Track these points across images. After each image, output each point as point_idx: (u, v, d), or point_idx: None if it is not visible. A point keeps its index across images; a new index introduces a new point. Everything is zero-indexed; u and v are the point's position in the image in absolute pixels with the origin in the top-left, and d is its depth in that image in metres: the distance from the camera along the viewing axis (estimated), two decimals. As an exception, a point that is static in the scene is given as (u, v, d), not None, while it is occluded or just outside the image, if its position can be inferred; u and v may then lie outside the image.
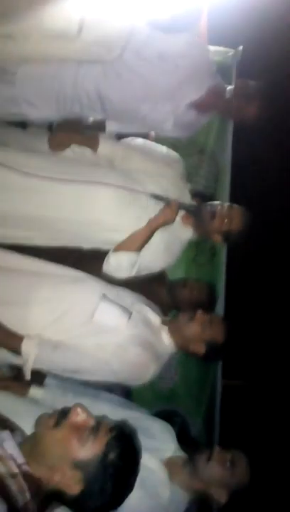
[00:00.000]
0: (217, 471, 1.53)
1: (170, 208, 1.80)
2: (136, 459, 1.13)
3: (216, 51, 2.84)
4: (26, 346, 1.56)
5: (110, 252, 1.81)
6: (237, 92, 2.11)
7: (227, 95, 2.13)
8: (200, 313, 1.74)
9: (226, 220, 1.82)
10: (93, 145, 1.96)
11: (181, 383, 2.98)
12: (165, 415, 2.41)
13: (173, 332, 1.76)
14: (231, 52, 2.90)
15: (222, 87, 2.17)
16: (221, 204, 1.88)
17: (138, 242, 1.79)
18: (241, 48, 2.87)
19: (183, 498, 1.56)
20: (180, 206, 1.83)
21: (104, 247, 1.86)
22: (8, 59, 1.85)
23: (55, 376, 1.71)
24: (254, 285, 3.73)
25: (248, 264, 3.63)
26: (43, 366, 1.62)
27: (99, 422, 1.11)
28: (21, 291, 1.68)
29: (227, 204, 1.89)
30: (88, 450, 1.06)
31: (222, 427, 3.14)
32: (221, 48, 2.88)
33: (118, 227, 1.81)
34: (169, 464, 1.59)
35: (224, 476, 1.53)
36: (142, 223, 1.80)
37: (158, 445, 1.64)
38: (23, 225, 1.82)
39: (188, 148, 3.08)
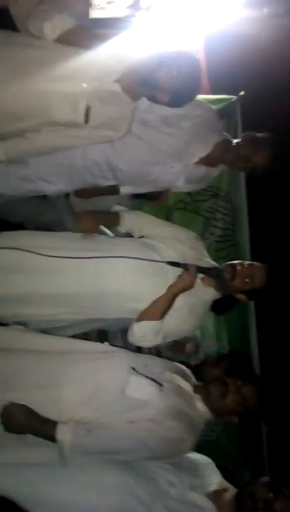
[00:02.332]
0: None
1: (188, 273, 1.79)
2: None
3: (218, 99, 2.88)
4: (61, 434, 1.55)
5: (133, 323, 1.81)
6: (243, 143, 2.13)
7: (234, 148, 2.15)
8: (232, 391, 1.73)
9: (247, 280, 1.80)
10: (116, 222, 1.99)
11: (223, 434, 2.88)
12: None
13: (207, 400, 1.74)
14: (233, 98, 2.92)
15: (229, 141, 2.19)
16: (240, 263, 1.86)
17: (159, 309, 1.79)
18: (243, 93, 2.89)
19: None
20: (199, 269, 1.82)
21: (127, 317, 1.86)
22: (21, 155, 1.93)
23: None
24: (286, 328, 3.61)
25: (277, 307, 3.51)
26: (78, 450, 1.59)
27: None
28: (53, 372, 1.68)
29: (246, 262, 1.87)
30: None
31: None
32: (223, 96, 2.91)
33: (140, 297, 1.81)
34: (215, 498, 1.65)
35: None
36: (163, 291, 1.80)
37: (203, 481, 1.70)
38: (46, 304, 1.84)
39: (201, 194, 3.10)
